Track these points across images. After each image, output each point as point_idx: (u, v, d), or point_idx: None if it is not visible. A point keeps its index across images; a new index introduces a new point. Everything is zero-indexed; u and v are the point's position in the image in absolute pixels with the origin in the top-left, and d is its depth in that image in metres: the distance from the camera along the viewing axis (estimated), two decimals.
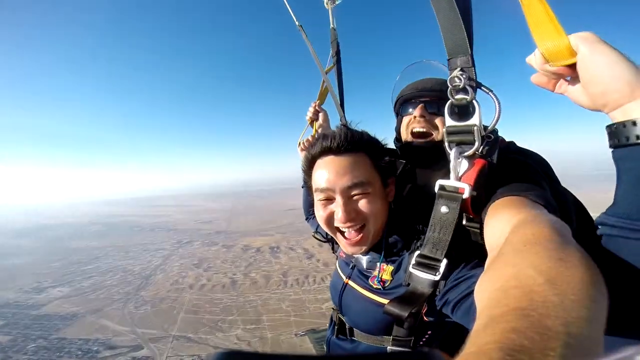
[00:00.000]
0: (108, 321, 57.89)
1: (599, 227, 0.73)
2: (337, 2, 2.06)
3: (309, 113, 2.02)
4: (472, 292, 0.94)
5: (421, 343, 1.20)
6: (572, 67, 0.75)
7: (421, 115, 1.38)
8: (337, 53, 2.06)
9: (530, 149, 1.26)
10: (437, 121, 1.37)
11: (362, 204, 1.21)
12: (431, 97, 1.40)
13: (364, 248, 1.27)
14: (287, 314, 58.73)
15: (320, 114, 2.02)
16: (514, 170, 1.08)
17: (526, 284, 0.49)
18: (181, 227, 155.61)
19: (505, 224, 0.83)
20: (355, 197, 1.21)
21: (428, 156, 1.37)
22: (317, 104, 2.02)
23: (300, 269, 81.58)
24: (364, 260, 1.35)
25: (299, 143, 1.91)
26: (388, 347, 1.21)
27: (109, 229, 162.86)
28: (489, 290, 0.56)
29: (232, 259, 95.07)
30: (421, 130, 1.38)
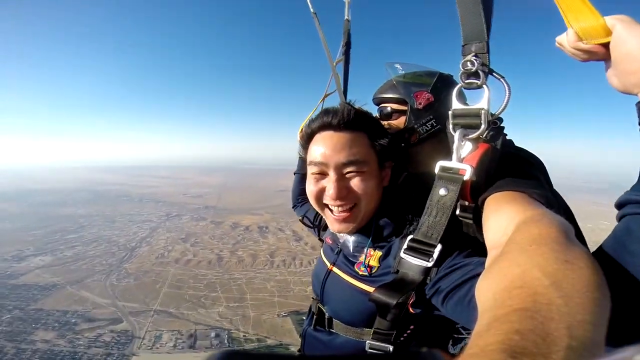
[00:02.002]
0: (88, 293, 57.34)
1: (623, 206, 0.72)
2: None
3: None
4: (465, 281, 0.94)
5: (402, 339, 1.16)
6: (605, 47, 0.75)
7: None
8: (348, 44, 2.08)
9: (528, 150, 1.27)
10: (388, 125, 1.47)
11: (355, 183, 1.20)
12: (379, 104, 1.52)
13: (351, 226, 1.26)
14: (272, 294, 58.96)
15: None
16: (516, 165, 1.08)
17: (531, 285, 0.49)
18: (170, 200, 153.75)
19: (509, 220, 0.81)
20: (348, 175, 1.21)
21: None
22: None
23: (287, 251, 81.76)
24: (351, 243, 1.33)
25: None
26: (367, 341, 1.17)
27: (97, 196, 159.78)
28: (493, 290, 0.55)
29: (220, 236, 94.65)
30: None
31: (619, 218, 0.71)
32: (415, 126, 1.34)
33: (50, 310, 51.04)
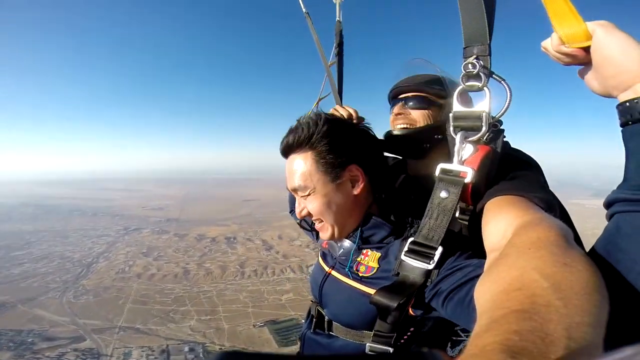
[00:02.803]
0: (43, 311, 52.62)
1: (611, 205, 0.72)
2: None
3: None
4: (466, 282, 0.94)
5: (402, 341, 1.16)
6: (586, 51, 0.78)
7: (398, 113, 1.44)
8: (340, 45, 2.09)
9: (524, 151, 1.27)
10: (417, 115, 1.41)
11: (307, 204, 1.27)
12: (412, 92, 1.43)
13: (327, 235, 1.31)
14: (245, 305, 57.59)
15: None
16: (516, 168, 1.08)
17: (530, 287, 0.50)
18: (128, 213, 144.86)
19: (508, 224, 0.83)
20: (302, 197, 1.29)
21: (407, 144, 1.44)
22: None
23: (258, 260, 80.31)
24: (340, 247, 1.35)
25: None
26: (367, 344, 1.17)
27: (44, 211, 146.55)
28: (492, 292, 0.56)
29: (184, 249, 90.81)
30: (401, 126, 1.43)
31: (609, 217, 0.72)
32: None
33: (3, 330, 46.42)
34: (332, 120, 1.27)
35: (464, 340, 1.32)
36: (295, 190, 1.27)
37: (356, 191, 1.26)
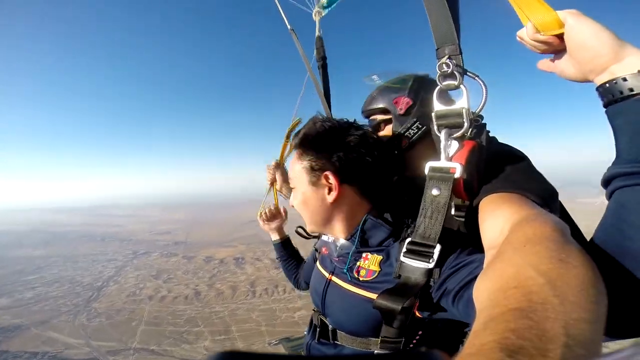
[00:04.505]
0: (57, 333, 52.69)
1: (610, 182, 0.71)
2: (323, 14, 2.18)
3: (268, 176, 2.11)
4: (473, 279, 0.90)
5: (411, 345, 1.12)
6: (560, 38, 0.81)
7: None
8: (323, 58, 2.13)
9: (512, 145, 1.25)
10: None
11: (292, 195, 1.38)
12: (369, 117, 1.50)
13: (308, 229, 1.42)
14: (258, 324, 57.20)
15: (277, 175, 2.10)
16: (509, 163, 1.08)
17: (526, 285, 0.49)
18: (136, 238, 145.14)
19: (504, 221, 0.83)
20: (292, 188, 1.38)
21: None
22: (272, 166, 2.11)
23: (268, 279, 79.91)
24: (335, 247, 1.34)
25: (260, 214, 2.08)
26: (375, 351, 1.14)
27: (53, 237, 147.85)
28: (489, 291, 0.56)
29: (194, 270, 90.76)
30: None
31: (609, 195, 0.71)
32: (402, 131, 1.35)
33: (18, 352, 46.74)
34: (327, 124, 1.27)
35: None
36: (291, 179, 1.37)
37: (331, 199, 1.24)
